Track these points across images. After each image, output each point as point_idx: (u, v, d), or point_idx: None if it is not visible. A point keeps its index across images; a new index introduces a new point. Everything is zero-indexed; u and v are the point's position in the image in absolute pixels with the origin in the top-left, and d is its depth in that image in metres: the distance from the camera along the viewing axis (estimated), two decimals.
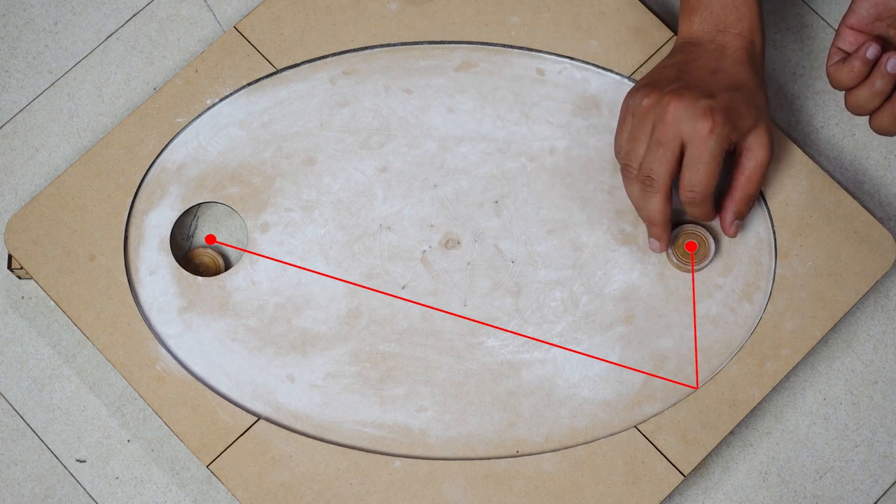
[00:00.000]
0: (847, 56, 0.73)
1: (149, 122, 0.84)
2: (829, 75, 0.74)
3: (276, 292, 0.82)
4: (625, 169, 0.78)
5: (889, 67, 0.71)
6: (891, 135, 0.73)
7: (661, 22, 0.87)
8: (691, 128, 0.74)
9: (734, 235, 0.80)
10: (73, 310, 0.81)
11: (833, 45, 0.75)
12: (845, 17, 0.74)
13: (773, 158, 0.79)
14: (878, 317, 0.87)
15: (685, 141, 0.75)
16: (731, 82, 0.76)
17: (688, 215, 0.80)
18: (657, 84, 0.77)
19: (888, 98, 0.72)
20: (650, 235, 0.80)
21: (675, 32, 0.88)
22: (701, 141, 0.74)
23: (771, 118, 0.79)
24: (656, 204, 0.77)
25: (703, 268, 0.81)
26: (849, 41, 0.74)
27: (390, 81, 0.86)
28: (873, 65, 0.72)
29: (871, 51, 0.71)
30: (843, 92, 0.74)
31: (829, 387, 0.85)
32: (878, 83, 0.71)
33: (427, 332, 0.81)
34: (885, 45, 0.73)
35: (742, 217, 0.80)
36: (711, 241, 0.81)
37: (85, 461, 0.84)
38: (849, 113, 0.90)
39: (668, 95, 0.75)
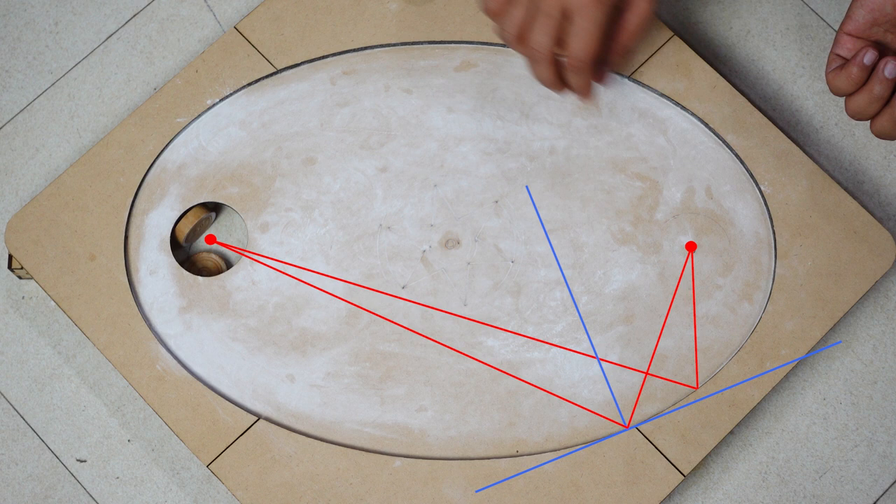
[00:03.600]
0: (845, 62, 0.73)
1: (149, 122, 0.85)
2: (828, 82, 0.74)
3: (277, 292, 0.82)
4: (500, 28, 0.77)
5: (887, 73, 0.71)
6: (892, 139, 0.73)
7: (661, 22, 0.87)
8: None
9: (589, 94, 0.80)
10: (74, 310, 0.81)
11: (832, 51, 0.75)
12: (843, 23, 0.74)
13: (653, 6, 0.77)
14: (878, 317, 0.87)
15: (568, 10, 0.74)
16: None
17: (569, 81, 0.78)
18: None
19: (887, 103, 0.72)
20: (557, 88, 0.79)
21: (675, 32, 0.88)
22: (584, 9, 0.73)
23: None
24: (545, 72, 0.77)
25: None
26: (847, 47, 0.74)
27: (390, 81, 0.86)
28: (871, 70, 0.72)
29: (868, 56, 0.71)
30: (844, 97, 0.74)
31: (829, 387, 0.85)
32: (877, 88, 0.71)
33: (427, 331, 0.81)
34: (883, 51, 0.73)
35: (613, 69, 0.78)
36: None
37: (85, 461, 0.84)
38: None
39: None
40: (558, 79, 0.78)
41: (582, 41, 0.74)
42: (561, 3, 0.74)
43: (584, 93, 0.79)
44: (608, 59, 0.79)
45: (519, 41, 0.76)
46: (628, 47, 0.78)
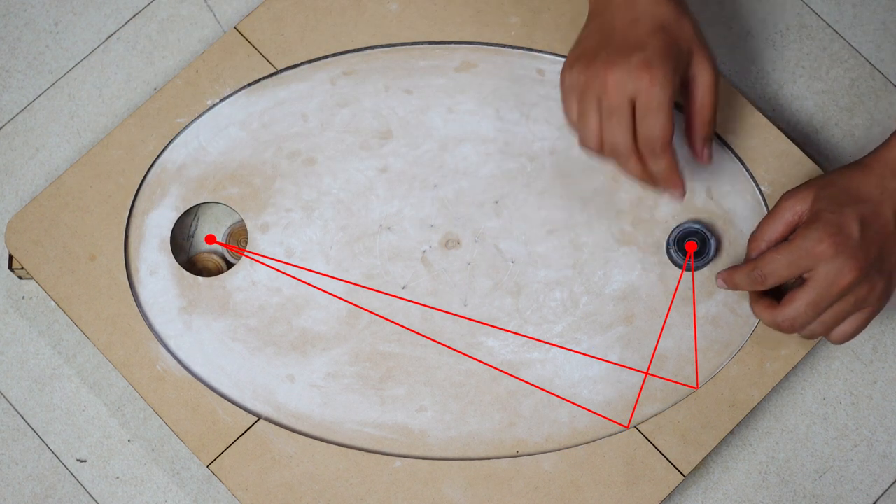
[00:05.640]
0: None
1: (149, 122, 0.85)
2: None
3: (277, 292, 0.82)
4: (583, 146, 0.77)
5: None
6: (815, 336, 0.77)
7: None
8: (634, 87, 0.73)
9: (709, 161, 0.80)
10: (74, 310, 0.81)
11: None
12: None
13: (719, 75, 0.78)
14: (878, 317, 0.87)
15: (633, 100, 0.74)
16: (655, 24, 0.75)
17: (652, 170, 0.77)
18: (587, 55, 0.76)
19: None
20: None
21: None
22: (647, 94, 0.73)
23: (704, 37, 0.77)
24: (634, 167, 0.76)
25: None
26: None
27: (390, 82, 0.86)
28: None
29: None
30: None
31: (829, 387, 0.85)
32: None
33: (427, 332, 0.81)
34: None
35: (709, 140, 0.79)
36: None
37: (85, 461, 0.84)
38: (849, 113, 0.90)
39: (602, 65, 0.74)
40: (649, 172, 0.77)
41: (651, 124, 0.74)
42: (624, 94, 0.73)
43: (671, 181, 0.77)
44: (699, 134, 0.78)
45: (601, 146, 0.76)
46: (708, 119, 0.78)
